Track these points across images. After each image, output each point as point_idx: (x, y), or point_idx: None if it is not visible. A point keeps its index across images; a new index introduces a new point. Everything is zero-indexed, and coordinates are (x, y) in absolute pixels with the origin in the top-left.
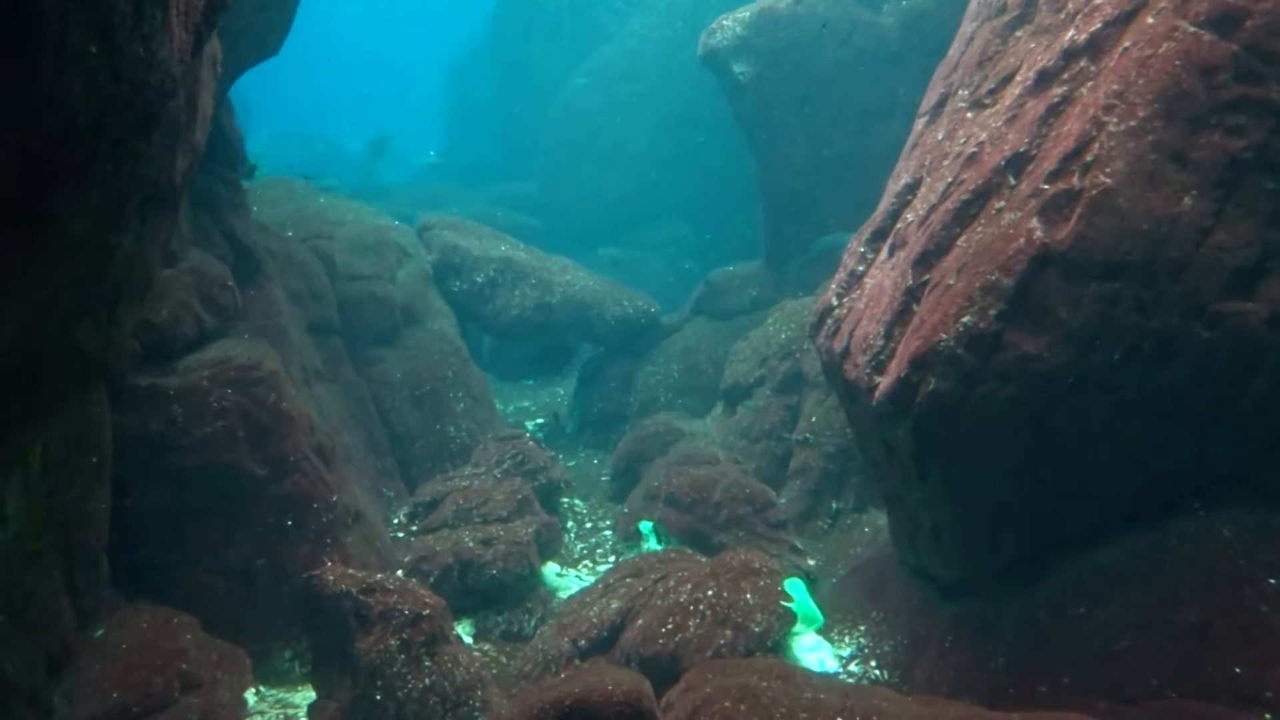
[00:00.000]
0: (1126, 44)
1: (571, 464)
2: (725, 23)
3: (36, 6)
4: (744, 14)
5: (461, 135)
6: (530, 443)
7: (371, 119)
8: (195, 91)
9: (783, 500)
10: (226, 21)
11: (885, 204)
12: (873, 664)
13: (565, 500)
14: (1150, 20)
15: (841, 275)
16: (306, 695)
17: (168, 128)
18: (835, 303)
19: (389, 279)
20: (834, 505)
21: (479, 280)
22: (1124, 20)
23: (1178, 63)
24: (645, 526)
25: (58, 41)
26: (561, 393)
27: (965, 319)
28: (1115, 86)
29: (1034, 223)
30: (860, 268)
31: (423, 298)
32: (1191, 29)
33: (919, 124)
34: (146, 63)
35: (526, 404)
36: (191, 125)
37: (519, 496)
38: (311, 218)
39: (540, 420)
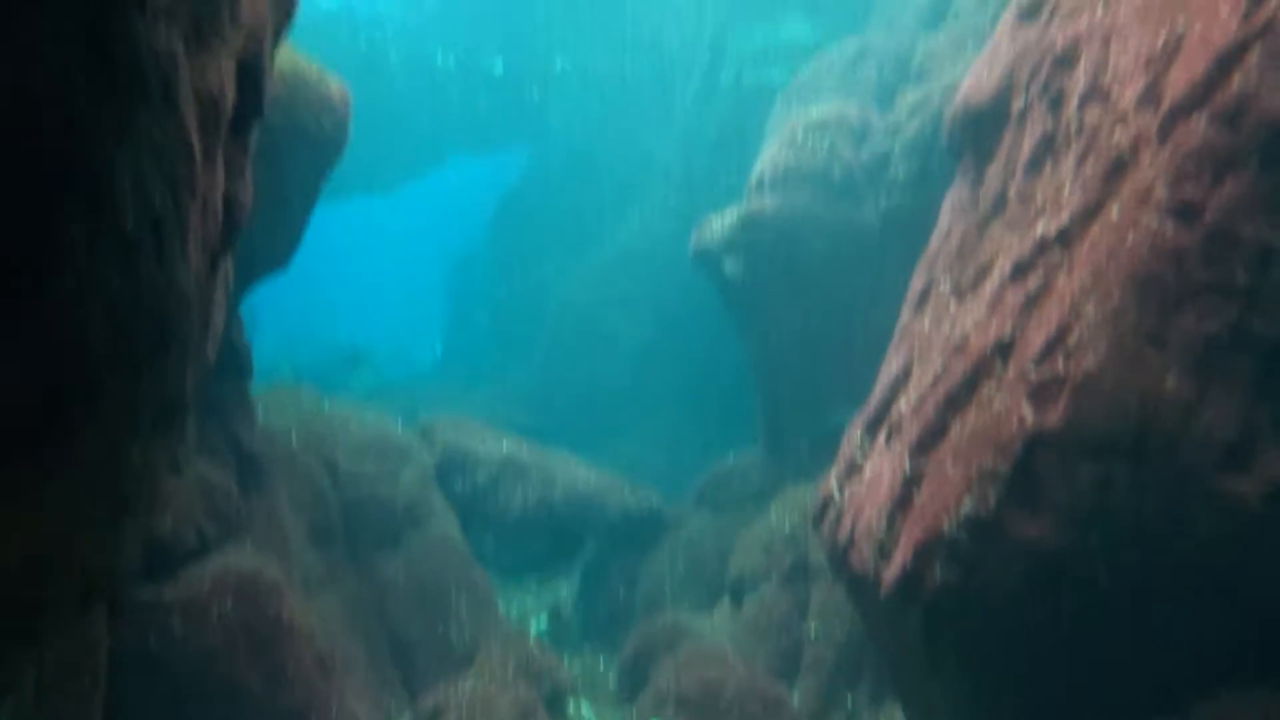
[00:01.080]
0: (1095, 234)
1: (577, 665)
2: (714, 223)
3: (63, 241)
4: (731, 213)
5: (461, 336)
6: (534, 645)
7: (372, 320)
8: (208, 310)
9: (796, 698)
10: (239, 240)
11: (879, 392)
12: None
13: (572, 705)
14: (1115, 213)
15: (841, 464)
16: None
17: (181, 348)
18: (836, 493)
19: (391, 482)
20: (849, 700)
21: (481, 479)
22: (1090, 213)
23: (1146, 251)
24: None
25: (81, 273)
26: (564, 591)
27: (965, 505)
28: (1089, 274)
29: (1025, 407)
30: (859, 456)
31: (425, 499)
32: (1155, 219)
33: (906, 313)
34: (165, 288)
35: (529, 601)
36: (203, 343)
37: (523, 704)
38: (315, 422)
39: (544, 619)
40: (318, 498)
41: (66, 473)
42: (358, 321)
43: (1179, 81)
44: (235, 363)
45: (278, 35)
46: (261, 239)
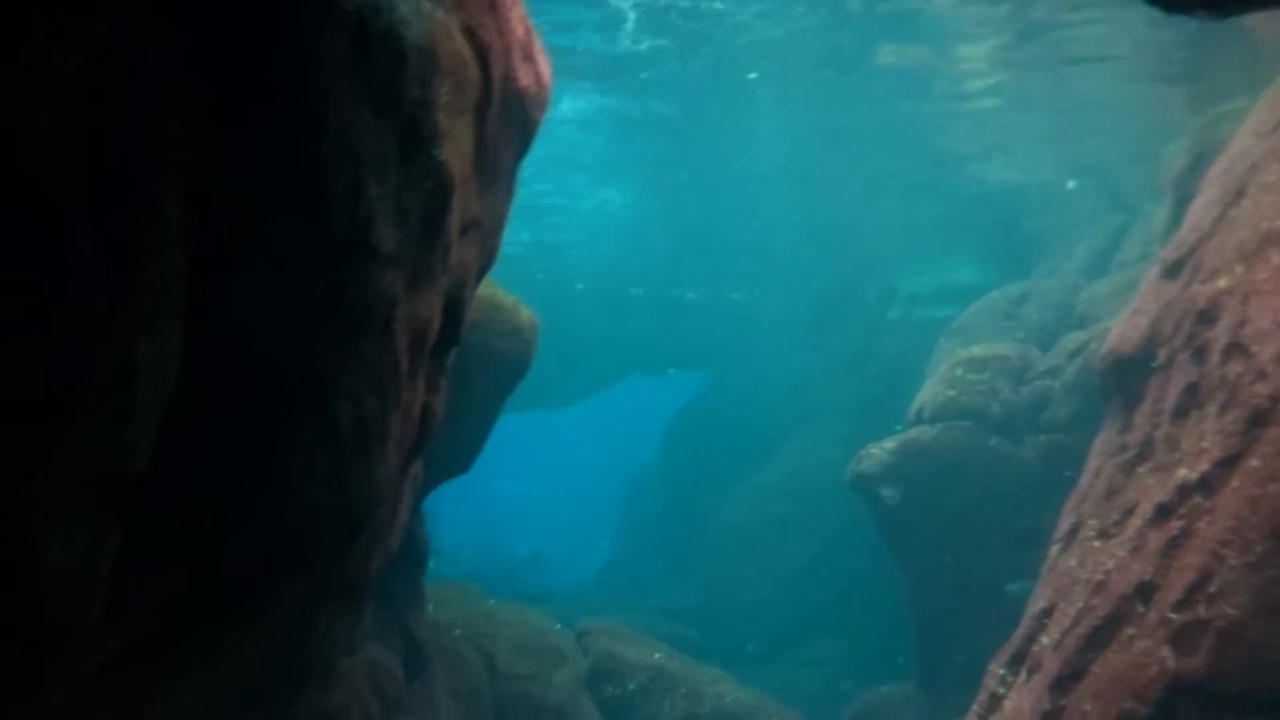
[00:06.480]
0: (1236, 483)
1: None
2: (873, 450)
3: (294, 438)
4: (890, 443)
5: (627, 548)
6: None
7: (544, 526)
8: (397, 505)
9: None
10: (429, 445)
11: (1023, 627)
12: None
13: None
14: (1255, 463)
15: (983, 697)
16: None
17: (372, 535)
18: None
19: (544, 682)
20: None
21: (630, 687)
22: (1231, 461)
23: None
24: None
25: (304, 463)
26: None
27: None
28: (1230, 522)
29: (1165, 651)
30: (1000, 690)
31: (575, 701)
32: None
33: (1053, 550)
34: (365, 481)
35: None
36: (389, 532)
37: None
38: (479, 618)
39: None
40: (475, 690)
41: (267, 636)
42: (530, 527)
43: None
44: (413, 554)
45: (480, 274)
46: (448, 445)
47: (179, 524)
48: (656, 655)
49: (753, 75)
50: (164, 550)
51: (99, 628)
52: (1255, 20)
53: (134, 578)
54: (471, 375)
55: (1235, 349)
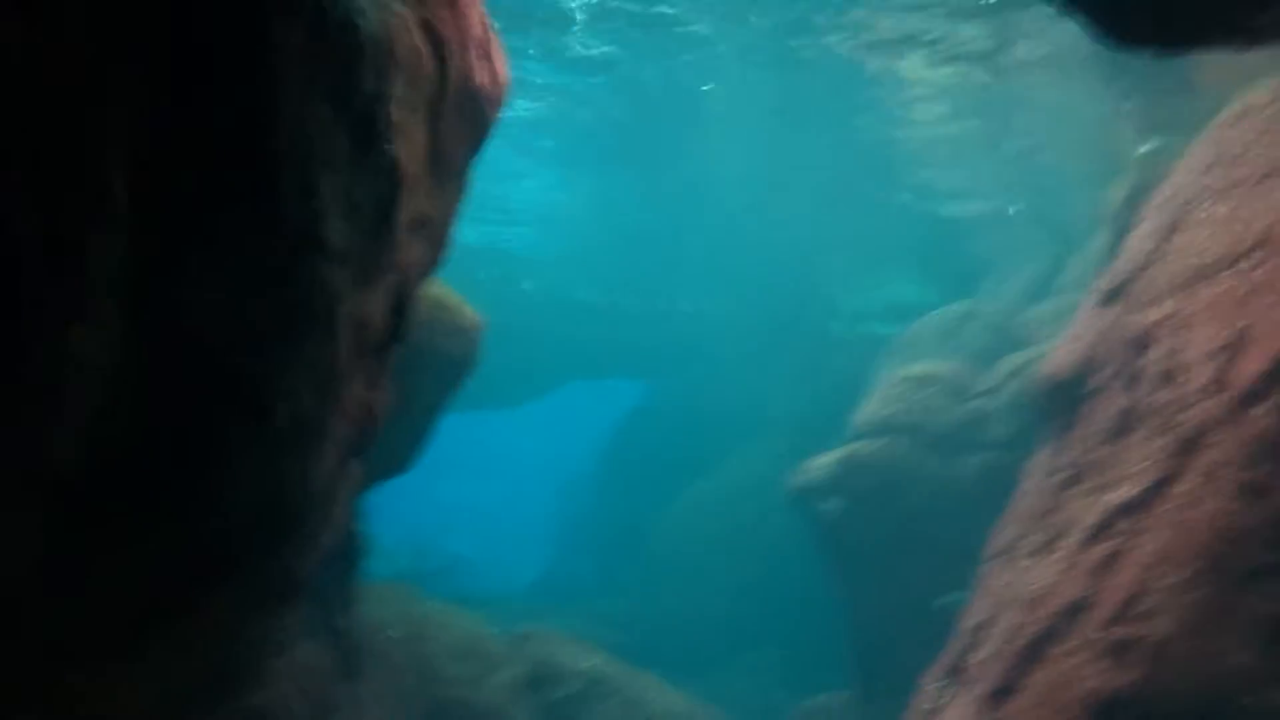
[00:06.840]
0: (1166, 506)
1: None
2: (814, 465)
3: (226, 440)
4: (831, 457)
5: (566, 552)
6: None
7: (476, 530)
8: (333, 505)
9: None
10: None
11: (958, 642)
12: None
13: None
14: (1184, 487)
15: (918, 709)
16: None
17: (304, 535)
18: None
19: (479, 686)
20: None
21: (568, 692)
22: (1162, 485)
23: (1215, 525)
24: None
25: (236, 466)
26: None
27: None
28: (1161, 543)
29: (1098, 667)
30: (935, 703)
31: (512, 706)
32: (1224, 497)
33: (986, 568)
34: (301, 481)
35: None
36: (324, 532)
37: None
38: (415, 620)
39: None
40: (407, 693)
41: (196, 636)
42: (469, 528)
43: (1245, 374)
44: (349, 554)
45: (428, 273)
46: (389, 444)
47: (108, 522)
48: (594, 661)
49: (707, 87)
50: (92, 549)
51: (23, 627)
52: (1198, 59)
53: (60, 577)
54: (414, 375)
55: (1167, 377)
